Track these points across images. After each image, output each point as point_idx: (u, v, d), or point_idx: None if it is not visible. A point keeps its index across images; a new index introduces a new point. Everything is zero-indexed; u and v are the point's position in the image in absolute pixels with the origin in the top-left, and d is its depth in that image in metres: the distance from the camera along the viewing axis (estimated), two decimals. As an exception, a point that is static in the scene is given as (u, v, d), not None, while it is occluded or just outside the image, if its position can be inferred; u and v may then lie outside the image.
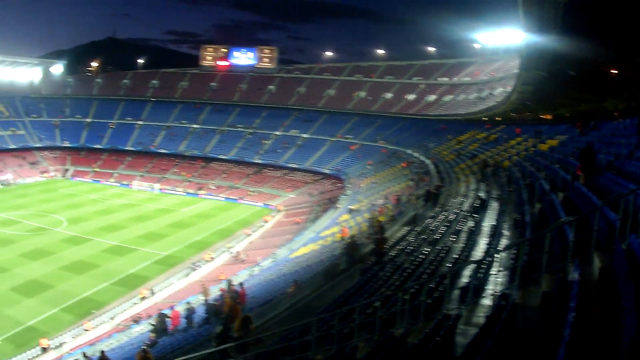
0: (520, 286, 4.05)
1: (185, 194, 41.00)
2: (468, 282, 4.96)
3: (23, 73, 58.13)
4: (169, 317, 11.97)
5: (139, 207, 36.24)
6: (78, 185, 44.74)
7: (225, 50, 55.38)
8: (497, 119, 26.90)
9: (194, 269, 22.00)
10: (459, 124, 31.98)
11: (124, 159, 48.91)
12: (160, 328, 11.61)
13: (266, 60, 53.93)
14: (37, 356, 13.95)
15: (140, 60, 62.90)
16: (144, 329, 13.85)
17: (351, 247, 10.92)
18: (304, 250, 18.80)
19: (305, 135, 45.58)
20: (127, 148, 49.18)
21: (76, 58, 75.71)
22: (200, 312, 11.99)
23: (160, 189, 42.40)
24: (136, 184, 43.59)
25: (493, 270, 5.17)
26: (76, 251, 24.67)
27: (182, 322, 11.84)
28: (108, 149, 49.74)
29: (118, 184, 44.08)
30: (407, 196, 17.76)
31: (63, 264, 22.43)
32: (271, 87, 51.96)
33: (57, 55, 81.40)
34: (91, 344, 14.37)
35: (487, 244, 6.79)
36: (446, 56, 48.80)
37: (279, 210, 34.20)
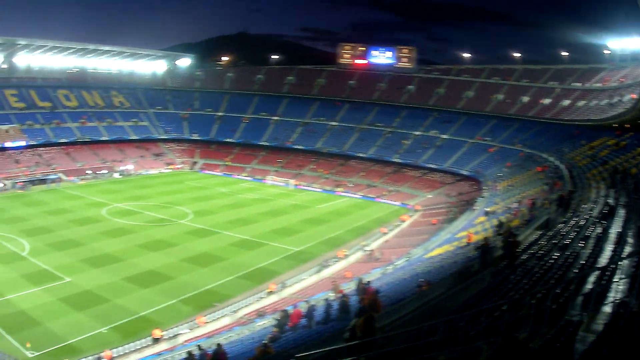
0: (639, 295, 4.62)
1: (321, 190, 49.93)
2: (591, 289, 5.76)
3: (144, 65, 74.33)
4: (290, 313, 14.41)
5: (272, 202, 43.84)
6: (207, 178, 56.00)
7: (363, 48, 65.81)
8: (626, 126, 30.70)
9: (326, 266, 25.72)
10: (591, 130, 37.07)
11: (258, 153, 60.47)
12: (282, 324, 13.98)
13: (405, 60, 63.61)
14: (147, 346, 17.37)
15: (275, 56, 75.46)
16: (267, 323, 16.60)
17: (485, 250, 12.46)
18: (438, 251, 22.19)
19: (444, 136, 54.33)
20: (261, 143, 61.17)
21: (204, 52, 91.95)
22: (322, 310, 13.89)
23: (296, 185, 51.46)
24: (270, 179, 53.31)
25: (616, 278, 5.99)
26: (201, 244, 30.89)
27: (303, 320, 13.90)
28: (241, 143, 62.17)
29: (251, 179, 54.70)
30: (541, 200, 20.60)
31: (185, 256, 28.33)
32: (410, 87, 61.48)
33: (183, 48, 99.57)
34: (209, 336, 17.59)
35: (612, 251, 8.11)
36: (578, 61, 55.83)
37: (416, 210, 41.31)
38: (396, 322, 10.10)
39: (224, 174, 57.38)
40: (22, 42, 57.60)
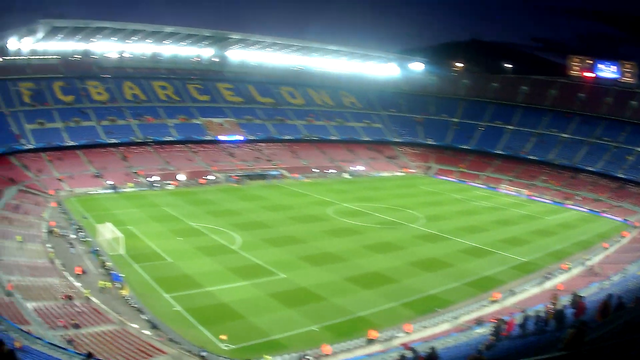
0: None
1: (551, 202, 66.15)
2: None
3: (375, 67, 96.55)
4: (505, 323, 18.75)
5: (503, 211, 56.45)
6: (441, 183, 73.33)
7: (591, 61, 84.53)
8: None
9: (549, 278, 33.08)
10: None
11: (492, 162, 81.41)
12: (498, 332, 18.17)
13: (627, 75, 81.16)
14: (360, 346, 23.31)
15: (507, 65, 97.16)
16: (485, 331, 21.16)
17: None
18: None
19: (669, 154, 70.26)
20: (495, 151, 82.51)
21: (435, 56, 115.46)
22: (537, 321, 17.66)
23: (528, 195, 68.81)
24: (503, 188, 71.74)
25: None
26: (430, 248, 40.11)
27: (516, 329, 18.26)
28: (475, 150, 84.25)
29: (485, 187, 73.41)
30: None
31: (412, 260, 36.76)
32: (633, 102, 78.04)
33: (413, 52, 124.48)
34: (425, 341, 22.59)
35: None
36: None
37: (635, 227, 54.03)
38: (605, 336, 12.98)
39: (459, 180, 77.16)
40: (236, 36, 78.83)
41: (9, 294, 26.42)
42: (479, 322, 24.18)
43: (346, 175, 73.78)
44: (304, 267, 34.91)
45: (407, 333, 24.56)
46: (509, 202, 63.53)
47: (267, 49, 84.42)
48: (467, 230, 46.97)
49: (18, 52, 71.51)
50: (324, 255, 37.24)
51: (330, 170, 74.14)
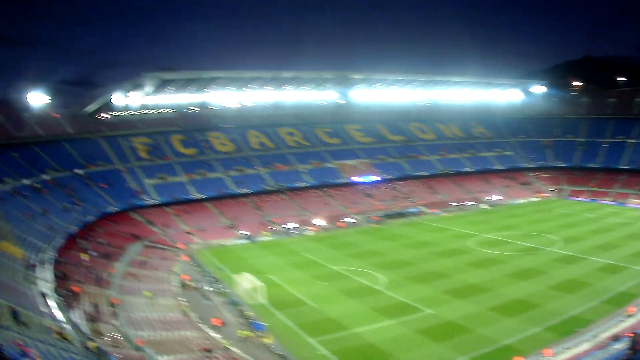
0: None
1: None
2: None
3: (499, 94, 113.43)
4: None
5: (632, 226, 68.94)
6: (573, 204, 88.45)
7: None
8: None
9: None
10: None
11: (618, 177, 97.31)
12: (633, 346, 24.41)
13: None
14: None
15: (621, 78, 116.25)
16: (622, 346, 27.49)
17: None
18: None
19: None
20: (620, 167, 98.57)
21: (553, 78, 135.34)
22: None
23: None
24: (631, 203, 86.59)
25: None
26: (568, 270, 49.31)
27: None
28: (602, 168, 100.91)
29: (614, 203, 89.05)
30: None
31: (552, 283, 45.36)
32: None
33: (532, 75, 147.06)
34: None
35: None
36: None
37: None
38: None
39: (590, 199, 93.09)
40: (358, 76, 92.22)
41: (138, 349, 31.31)
42: (616, 337, 30.43)
43: (483, 206, 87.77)
44: (449, 300, 43.08)
45: (548, 358, 30.70)
46: (636, 216, 77.60)
47: (390, 86, 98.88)
48: (601, 248, 58.10)
49: (126, 108, 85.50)
50: (467, 287, 45.96)
51: (468, 202, 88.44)
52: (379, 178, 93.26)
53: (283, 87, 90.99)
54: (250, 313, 42.60)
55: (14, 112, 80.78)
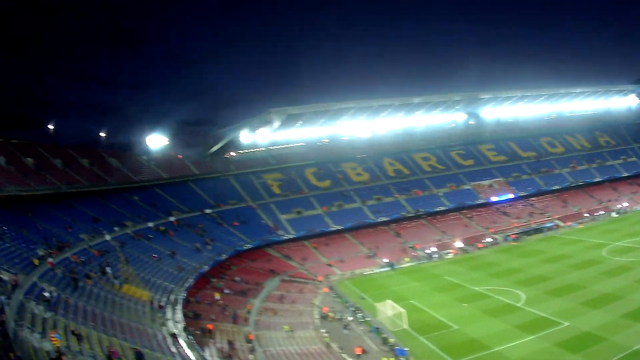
0: None
1: None
2: None
3: (618, 101, 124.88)
4: None
5: None
6: None
7: None
8: None
9: None
10: None
11: None
12: None
13: None
14: None
15: None
16: None
17: None
18: None
19: None
20: None
21: None
22: None
23: None
24: None
25: None
26: None
27: None
28: None
29: None
30: None
31: None
32: None
33: None
34: None
35: None
36: None
37: None
38: None
39: None
40: (486, 95, 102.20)
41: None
42: None
43: (614, 214, 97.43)
44: (585, 311, 50.08)
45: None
46: None
47: (518, 102, 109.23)
48: None
49: (254, 145, 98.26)
50: (602, 297, 53.01)
51: (599, 212, 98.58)
52: (513, 195, 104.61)
53: (413, 112, 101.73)
54: (393, 339, 50.41)
55: (131, 156, 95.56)
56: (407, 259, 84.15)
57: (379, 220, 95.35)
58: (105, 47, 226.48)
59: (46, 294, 40.25)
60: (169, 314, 49.31)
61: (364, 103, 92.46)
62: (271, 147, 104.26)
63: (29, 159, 75.20)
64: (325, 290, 72.58)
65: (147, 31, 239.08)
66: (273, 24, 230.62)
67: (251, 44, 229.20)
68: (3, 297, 34.73)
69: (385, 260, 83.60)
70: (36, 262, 48.15)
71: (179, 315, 49.66)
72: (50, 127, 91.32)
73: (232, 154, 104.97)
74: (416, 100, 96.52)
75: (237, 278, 74.11)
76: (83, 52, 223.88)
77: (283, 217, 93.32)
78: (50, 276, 46.59)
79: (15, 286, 39.43)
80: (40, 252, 51.44)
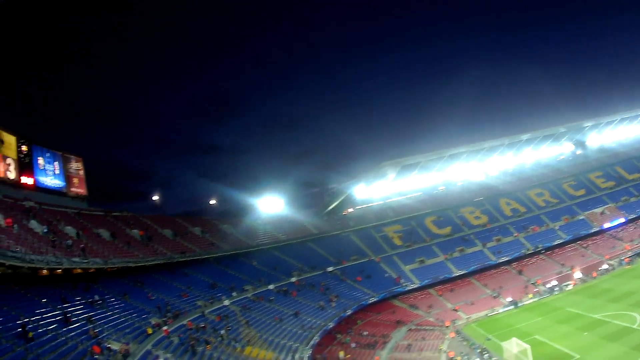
0: None
1: None
2: None
3: None
4: None
5: None
6: None
7: None
8: None
9: None
10: None
11: None
12: None
13: None
14: None
15: None
16: None
17: None
18: None
19: None
20: None
21: None
22: None
23: None
24: None
25: None
26: None
27: None
28: None
29: None
30: None
31: None
32: None
33: None
34: None
35: None
36: None
37: None
38: None
39: None
40: (588, 123, 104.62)
41: None
42: None
43: None
44: None
45: None
46: None
47: (618, 125, 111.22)
48: None
49: (370, 199, 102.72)
50: None
51: None
52: (624, 219, 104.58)
53: (522, 149, 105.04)
54: None
55: (245, 221, 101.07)
56: (530, 295, 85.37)
57: (500, 260, 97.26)
58: (207, 115, 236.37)
59: None
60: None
61: (475, 146, 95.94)
62: (388, 199, 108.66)
63: (135, 231, 78.63)
64: (452, 335, 74.74)
65: (245, 96, 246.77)
66: (381, 82, 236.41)
67: (355, 103, 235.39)
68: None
69: (509, 299, 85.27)
70: (150, 330, 51.33)
71: None
72: (155, 198, 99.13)
73: (350, 210, 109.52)
74: (524, 137, 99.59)
75: (364, 332, 77.13)
76: (182, 122, 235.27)
77: (406, 268, 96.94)
78: (166, 344, 50.28)
79: (126, 355, 42.54)
80: (154, 321, 54.95)
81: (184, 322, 58.90)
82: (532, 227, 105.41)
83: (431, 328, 79.93)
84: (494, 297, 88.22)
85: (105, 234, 71.29)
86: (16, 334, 36.30)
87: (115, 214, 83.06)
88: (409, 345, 71.82)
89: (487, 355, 61.86)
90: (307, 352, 59.79)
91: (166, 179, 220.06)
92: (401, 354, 68.65)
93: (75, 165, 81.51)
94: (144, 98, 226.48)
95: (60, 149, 78.99)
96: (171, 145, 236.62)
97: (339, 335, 74.55)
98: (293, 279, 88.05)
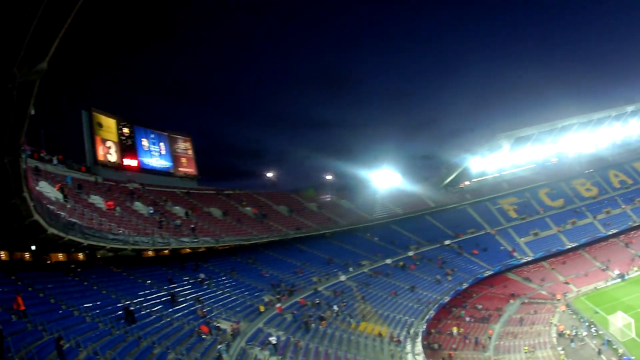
0: None
1: None
2: None
3: None
4: None
5: None
6: None
7: None
8: None
9: None
10: None
11: None
12: None
13: None
14: None
15: None
16: None
17: None
18: None
19: None
20: None
21: None
22: None
23: None
24: None
25: None
26: None
27: None
28: None
29: None
30: None
31: None
32: None
33: None
34: None
35: None
36: None
37: None
38: None
39: None
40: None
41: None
42: None
43: None
44: None
45: None
46: None
47: None
48: None
49: (483, 172, 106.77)
50: None
51: None
52: None
53: (628, 121, 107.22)
54: (621, 350, 56.86)
55: (362, 195, 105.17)
56: (635, 268, 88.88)
57: (609, 233, 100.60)
58: (319, 90, 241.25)
59: (272, 339, 44.45)
60: (408, 348, 54.86)
61: (585, 117, 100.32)
62: (503, 172, 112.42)
63: (248, 208, 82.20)
64: (562, 308, 78.52)
65: (360, 70, 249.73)
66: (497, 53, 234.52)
67: (472, 74, 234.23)
68: (221, 346, 38.68)
69: (617, 271, 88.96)
70: (262, 308, 52.72)
71: (419, 347, 55.15)
72: (269, 174, 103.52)
73: (466, 182, 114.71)
74: (629, 108, 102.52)
75: (478, 305, 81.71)
76: (298, 98, 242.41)
77: (521, 240, 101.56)
78: (278, 321, 51.51)
79: (236, 334, 43.76)
80: (267, 299, 56.73)
81: (298, 299, 61.32)
82: (638, 199, 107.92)
83: (543, 301, 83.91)
84: (603, 270, 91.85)
85: (216, 212, 74.73)
86: (116, 317, 36.71)
87: (227, 192, 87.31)
88: (521, 318, 75.80)
89: (594, 329, 65.67)
90: (422, 327, 63.10)
91: (280, 156, 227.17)
92: (513, 328, 72.40)
93: (183, 145, 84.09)
94: (255, 75, 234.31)
95: (167, 129, 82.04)
96: (284, 121, 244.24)
97: (454, 309, 79.11)
98: (410, 253, 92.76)
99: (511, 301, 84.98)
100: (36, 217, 28.42)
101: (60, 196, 45.58)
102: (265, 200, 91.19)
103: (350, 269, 78.92)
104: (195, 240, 59.47)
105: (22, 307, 28.59)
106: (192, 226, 62.54)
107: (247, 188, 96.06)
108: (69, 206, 44.65)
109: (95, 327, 33.10)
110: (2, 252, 40.16)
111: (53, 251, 43.63)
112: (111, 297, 41.10)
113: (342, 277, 74.63)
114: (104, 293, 41.34)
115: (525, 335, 68.81)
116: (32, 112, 14.29)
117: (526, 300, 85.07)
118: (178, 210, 67.72)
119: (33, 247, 39.93)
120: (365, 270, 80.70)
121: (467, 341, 68.32)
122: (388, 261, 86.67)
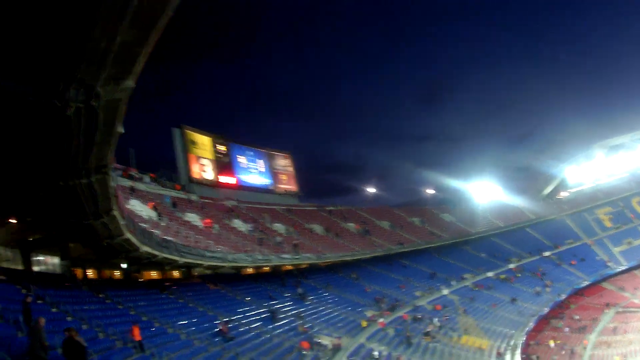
0: None
1: None
2: None
3: None
4: None
5: None
6: None
7: None
8: None
9: None
10: None
11: None
12: None
13: None
14: None
15: None
16: None
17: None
18: None
19: None
20: None
21: None
22: None
23: None
24: None
25: None
26: None
27: None
28: None
29: None
30: None
31: None
32: None
33: None
34: None
35: None
36: None
37: None
38: None
39: None
40: None
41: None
42: None
43: None
44: None
45: None
46: None
47: None
48: None
49: (580, 181, 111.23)
50: None
51: None
52: None
53: None
54: None
55: (464, 209, 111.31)
56: None
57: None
58: (420, 104, 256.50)
59: (375, 354, 45.22)
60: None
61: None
62: (597, 181, 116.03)
63: (350, 224, 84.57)
64: None
65: (457, 84, 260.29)
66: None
67: (565, 84, 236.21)
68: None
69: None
70: (364, 323, 53.17)
71: (518, 359, 57.05)
72: (370, 190, 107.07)
73: (563, 193, 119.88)
74: None
75: (575, 316, 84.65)
76: (399, 113, 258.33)
77: (615, 250, 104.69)
78: (380, 336, 51.93)
79: (337, 350, 44.02)
80: (369, 314, 57.25)
81: (400, 313, 62.15)
82: None
83: (636, 310, 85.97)
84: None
85: (318, 228, 77.02)
86: (213, 334, 37.11)
87: (329, 208, 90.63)
88: (615, 328, 77.25)
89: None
90: (522, 339, 64.64)
91: (380, 171, 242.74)
92: (607, 337, 74.12)
93: (283, 162, 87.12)
94: (353, 91, 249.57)
95: (265, 146, 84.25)
96: (385, 136, 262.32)
97: (552, 320, 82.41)
98: (511, 265, 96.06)
99: (606, 310, 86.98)
100: (127, 235, 29.10)
101: (153, 214, 47.72)
102: (367, 216, 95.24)
103: (453, 283, 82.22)
104: (297, 257, 61.06)
105: (138, 338, 28.47)
106: (295, 242, 64.13)
107: (348, 204, 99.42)
108: (163, 224, 46.90)
109: (190, 344, 33.84)
110: (90, 270, 41.60)
111: (147, 269, 45.91)
112: (207, 314, 42.37)
113: (445, 291, 77.65)
114: (200, 310, 42.72)
115: (618, 344, 70.29)
116: (122, 130, 13.89)
117: (620, 310, 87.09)
118: (278, 226, 69.98)
119: (124, 265, 41.64)
120: (468, 283, 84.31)
121: (563, 352, 69.89)
122: (490, 274, 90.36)
